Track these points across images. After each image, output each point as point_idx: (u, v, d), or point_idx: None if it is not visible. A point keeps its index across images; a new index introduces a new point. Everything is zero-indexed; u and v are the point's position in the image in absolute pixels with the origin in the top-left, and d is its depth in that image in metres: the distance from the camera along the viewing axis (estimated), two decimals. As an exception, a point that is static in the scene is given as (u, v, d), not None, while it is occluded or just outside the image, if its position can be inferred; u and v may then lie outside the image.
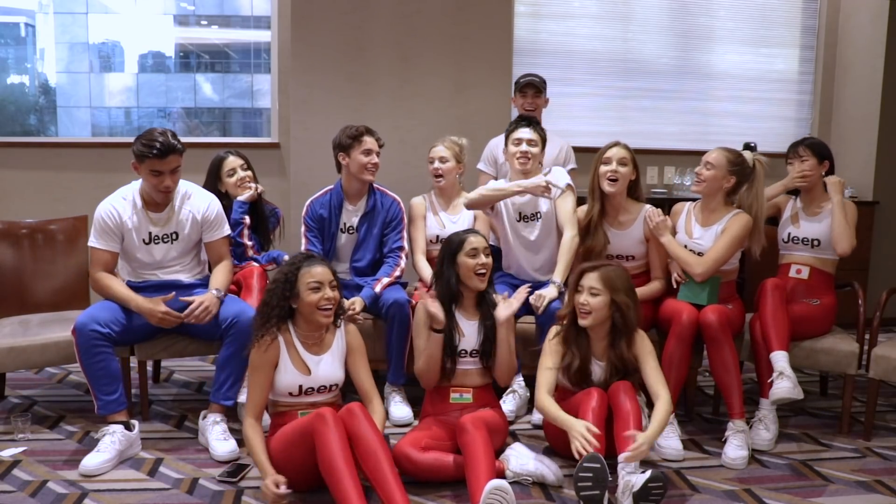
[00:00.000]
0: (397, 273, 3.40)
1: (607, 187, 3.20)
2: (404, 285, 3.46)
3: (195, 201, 3.09)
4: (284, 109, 4.62)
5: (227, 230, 3.17)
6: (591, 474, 2.35)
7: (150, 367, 3.56)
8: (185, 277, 3.12)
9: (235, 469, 2.70)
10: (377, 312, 3.26)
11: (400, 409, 3.16)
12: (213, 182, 3.51)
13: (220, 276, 3.08)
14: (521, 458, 2.67)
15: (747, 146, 4.99)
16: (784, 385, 2.85)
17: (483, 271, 2.82)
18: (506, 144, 3.38)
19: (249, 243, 3.46)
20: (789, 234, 3.30)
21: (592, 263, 2.80)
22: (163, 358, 3.51)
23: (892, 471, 2.82)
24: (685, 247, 3.17)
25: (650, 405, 2.71)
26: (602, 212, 3.27)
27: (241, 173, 3.50)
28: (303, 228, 3.48)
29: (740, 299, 3.27)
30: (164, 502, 2.48)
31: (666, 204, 3.41)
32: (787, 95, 5.25)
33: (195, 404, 3.33)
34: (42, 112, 8.90)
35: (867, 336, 3.19)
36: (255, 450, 2.45)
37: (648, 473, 2.39)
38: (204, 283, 3.11)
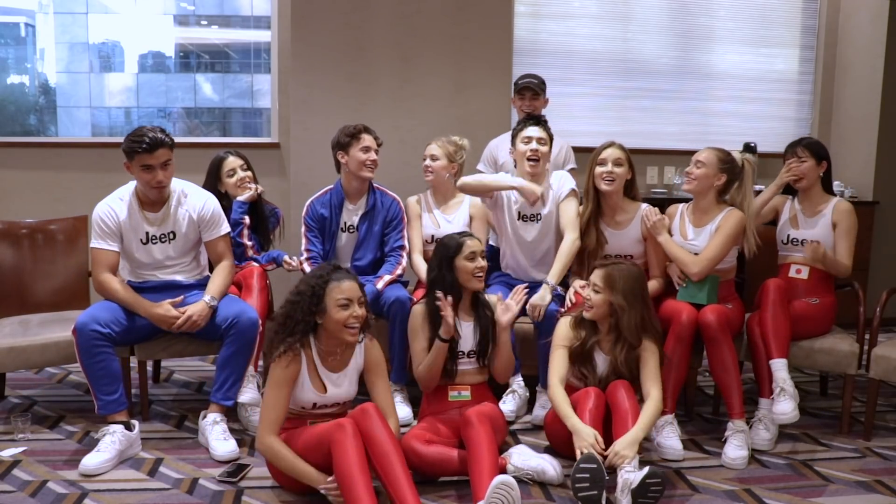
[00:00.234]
0: (399, 271, 3.40)
1: (604, 186, 3.20)
2: (405, 284, 3.46)
3: (192, 200, 3.09)
4: (284, 109, 4.62)
5: (225, 229, 3.17)
6: (587, 475, 2.36)
7: (150, 367, 3.56)
8: (183, 278, 3.12)
9: (235, 469, 2.70)
10: (378, 311, 3.26)
11: (400, 408, 3.16)
12: (213, 182, 3.51)
13: (218, 280, 3.07)
14: (524, 455, 2.68)
15: (747, 147, 5.02)
16: (786, 408, 2.85)
17: (481, 274, 2.85)
18: (514, 143, 3.38)
19: (249, 243, 3.46)
20: (788, 236, 3.30)
21: (605, 261, 2.83)
22: (163, 358, 3.51)
23: (892, 471, 2.82)
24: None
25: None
26: (598, 212, 3.28)
27: (240, 173, 3.50)
28: (303, 228, 3.49)
29: (740, 299, 3.28)
30: (164, 502, 2.48)
31: (666, 204, 3.41)
32: (787, 95, 5.25)
33: (195, 404, 3.33)
34: (42, 112, 8.90)
35: (867, 336, 3.19)
36: (297, 464, 2.37)
37: (646, 470, 2.40)
38: (203, 284, 3.11)
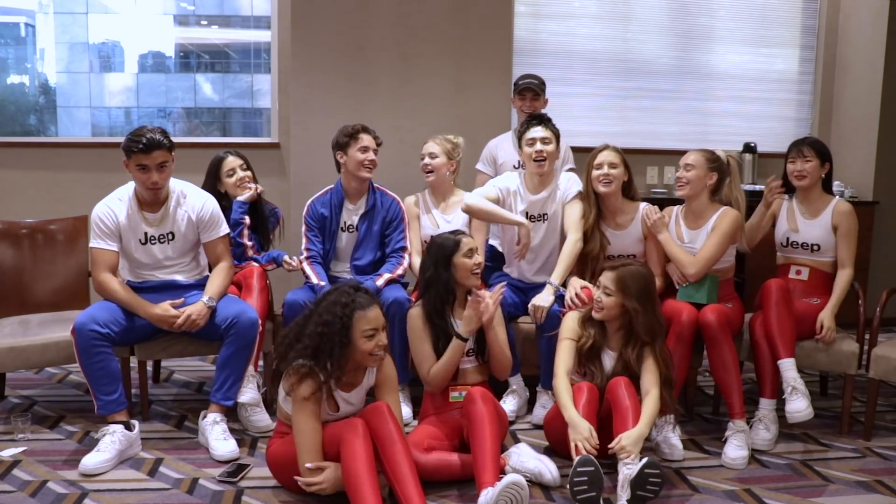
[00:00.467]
0: (399, 271, 3.40)
1: (601, 189, 3.22)
2: (405, 285, 3.46)
3: (191, 201, 3.09)
4: (284, 109, 4.62)
5: (224, 230, 3.17)
6: (585, 477, 2.37)
7: (150, 367, 3.56)
8: (183, 278, 3.12)
9: (235, 469, 2.69)
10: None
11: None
12: (213, 182, 3.51)
13: (217, 280, 3.07)
14: (522, 456, 2.68)
15: (747, 147, 5.02)
16: (800, 405, 2.85)
17: (478, 270, 2.86)
18: (520, 146, 3.38)
19: (249, 243, 3.46)
20: (788, 238, 3.28)
21: (615, 263, 2.83)
22: (163, 358, 3.51)
23: (892, 471, 2.82)
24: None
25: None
26: (599, 215, 3.28)
27: (240, 173, 3.50)
28: (303, 228, 3.49)
29: (739, 298, 3.27)
30: (164, 502, 2.48)
31: (665, 204, 3.41)
32: (787, 95, 5.25)
33: (195, 404, 3.33)
34: (42, 112, 8.90)
35: (867, 336, 3.19)
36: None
37: (644, 460, 2.40)
38: (202, 284, 3.11)
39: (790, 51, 5.23)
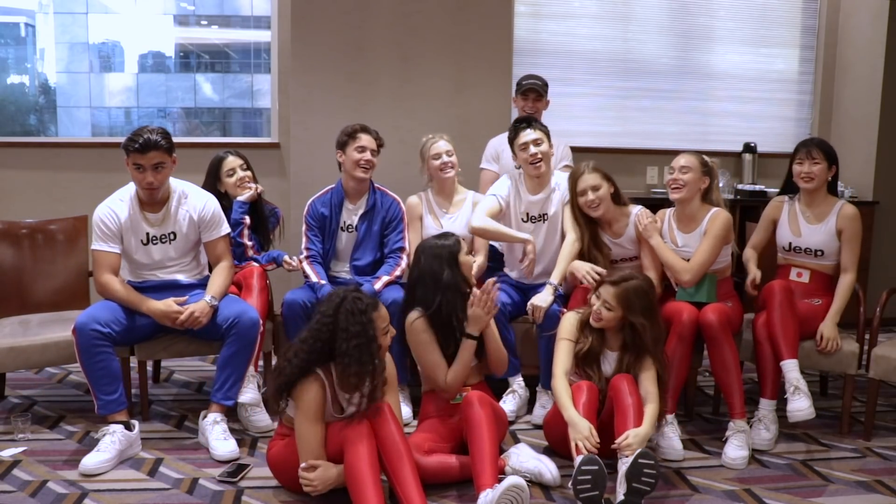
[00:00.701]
0: (397, 273, 3.40)
1: (592, 213, 3.22)
2: (403, 286, 3.45)
3: (192, 201, 3.09)
4: (284, 109, 4.62)
5: (225, 230, 3.17)
6: (589, 476, 2.36)
7: (150, 367, 3.56)
8: (183, 278, 3.12)
9: (235, 469, 2.69)
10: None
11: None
12: (213, 182, 3.51)
13: (218, 280, 3.07)
14: (522, 457, 2.68)
15: (747, 146, 5.02)
16: (802, 405, 2.84)
17: (475, 269, 2.89)
18: (513, 152, 3.39)
19: (249, 243, 3.46)
20: (790, 244, 3.25)
21: (615, 277, 2.77)
22: (163, 358, 3.50)
23: (892, 471, 2.82)
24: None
25: None
26: (593, 235, 3.26)
27: (240, 173, 3.50)
28: (304, 227, 3.49)
29: (738, 297, 3.27)
30: (164, 502, 2.48)
31: (665, 204, 3.40)
32: (787, 95, 5.25)
33: (195, 404, 3.33)
34: (42, 112, 8.91)
35: (867, 336, 3.19)
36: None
37: (638, 451, 2.40)
38: (203, 284, 3.11)
39: (790, 51, 5.23)
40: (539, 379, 3.25)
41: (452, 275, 2.80)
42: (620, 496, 2.40)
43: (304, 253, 3.45)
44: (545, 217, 3.37)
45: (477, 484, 2.36)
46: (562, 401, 2.64)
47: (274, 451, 2.55)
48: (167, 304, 2.93)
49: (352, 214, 3.48)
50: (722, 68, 5.13)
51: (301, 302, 3.22)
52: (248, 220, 3.46)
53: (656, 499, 2.53)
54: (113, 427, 2.76)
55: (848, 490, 2.66)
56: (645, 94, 5.05)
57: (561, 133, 4.12)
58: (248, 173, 3.53)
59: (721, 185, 4.81)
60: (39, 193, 4.48)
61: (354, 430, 2.32)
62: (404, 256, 3.45)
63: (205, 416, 2.92)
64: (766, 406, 3.01)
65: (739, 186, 4.82)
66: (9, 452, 2.82)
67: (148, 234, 3.03)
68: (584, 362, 2.79)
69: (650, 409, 2.62)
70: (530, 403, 3.29)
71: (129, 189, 3.04)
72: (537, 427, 3.11)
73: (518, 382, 3.29)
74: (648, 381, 2.70)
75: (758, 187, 4.77)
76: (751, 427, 2.98)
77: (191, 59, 10.53)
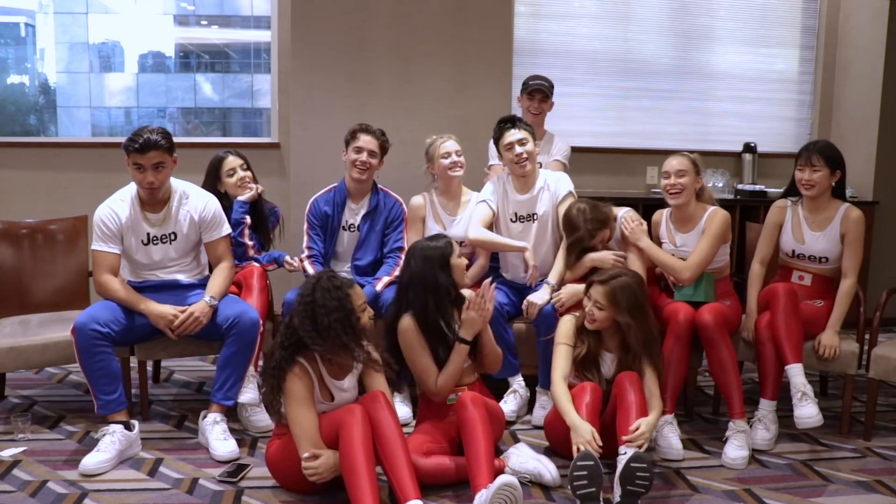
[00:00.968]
0: (397, 273, 3.40)
1: (672, 200, 3.18)
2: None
3: (193, 201, 3.09)
4: (284, 109, 4.62)
5: (226, 230, 3.17)
6: (585, 472, 2.37)
7: (150, 367, 3.56)
8: (183, 278, 3.12)
9: (235, 469, 2.69)
10: (377, 312, 3.26)
11: (399, 408, 3.14)
12: (213, 182, 3.50)
13: (218, 280, 3.07)
14: (521, 457, 2.68)
15: (747, 146, 5.02)
16: (811, 411, 2.84)
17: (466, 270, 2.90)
18: (498, 152, 3.40)
19: (250, 243, 3.46)
20: (794, 251, 3.22)
21: (602, 276, 2.77)
22: (163, 358, 3.51)
23: (892, 471, 2.82)
24: (672, 255, 3.18)
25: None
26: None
27: (240, 173, 3.50)
28: (305, 225, 3.49)
29: (737, 296, 3.27)
30: (164, 502, 2.48)
31: (665, 205, 3.39)
32: (787, 95, 5.25)
33: (195, 404, 3.33)
34: (42, 112, 8.91)
35: (867, 336, 3.19)
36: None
37: (629, 454, 2.40)
38: (203, 284, 3.11)
39: (790, 51, 5.23)
40: (539, 379, 3.25)
41: (443, 278, 2.77)
42: (617, 498, 2.41)
43: (306, 252, 3.45)
44: (534, 216, 3.37)
45: (473, 485, 2.36)
46: (563, 406, 2.64)
47: (272, 451, 2.56)
48: (166, 306, 2.93)
49: (354, 214, 3.49)
50: (722, 68, 5.13)
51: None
52: (248, 219, 3.46)
53: (656, 499, 2.53)
54: (113, 427, 2.76)
55: (848, 490, 2.66)
56: (645, 94, 5.04)
57: (561, 133, 4.13)
58: (249, 173, 3.53)
59: (721, 185, 4.83)
60: (39, 193, 4.48)
61: (349, 415, 2.33)
62: (403, 256, 3.44)
63: (205, 416, 2.92)
64: (767, 406, 3.01)
65: (739, 186, 4.81)
66: (9, 452, 2.82)
67: (148, 234, 3.03)
68: (583, 366, 2.79)
69: (655, 408, 2.64)
70: (530, 403, 3.29)
71: (130, 189, 3.04)
72: (537, 427, 3.11)
73: (518, 382, 3.29)
74: (651, 382, 2.70)
75: (758, 187, 4.77)
76: (751, 427, 2.98)
77: (191, 59, 10.53)
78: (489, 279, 2.93)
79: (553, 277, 3.22)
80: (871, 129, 4.84)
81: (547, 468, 2.62)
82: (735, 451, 2.84)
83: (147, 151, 2.87)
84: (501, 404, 3.10)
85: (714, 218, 3.12)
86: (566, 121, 4.75)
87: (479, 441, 2.42)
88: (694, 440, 3.08)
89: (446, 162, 3.48)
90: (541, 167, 3.60)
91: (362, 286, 3.31)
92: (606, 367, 2.80)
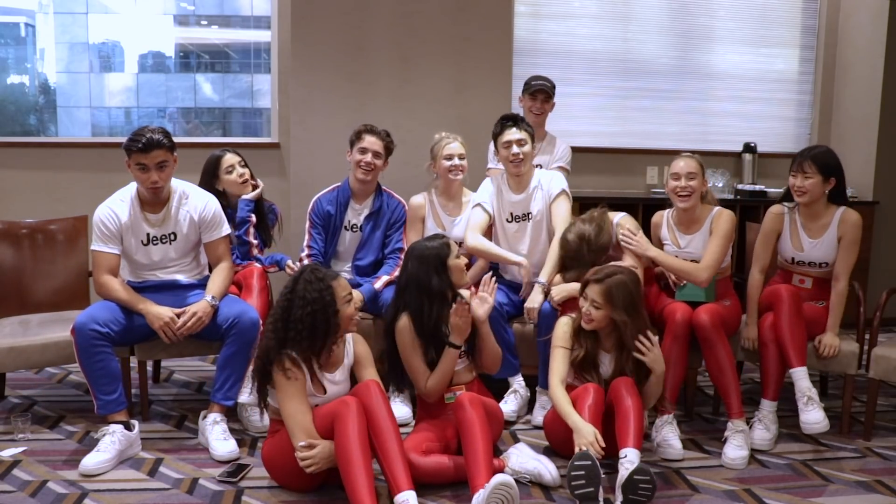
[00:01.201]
0: (397, 273, 3.40)
1: (680, 203, 3.15)
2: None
3: (193, 201, 3.09)
4: (284, 109, 4.62)
5: (226, 230, 3.17)
6: (583, 472, 2.37)
7: (150, 367, 3.56)
8: (183, 278, 3.12)
9: (235, 469, 2.69)
10: (377, 311, 3.27)
11: (399, 408, 3.15)
12: (210, 180, 3.48)
13: (218, 280, 3.07)
14: (521, 457, 2.68)
15: (747, 146, 5.02)
16: (817, 417, 2.83)
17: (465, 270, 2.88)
18: (496, 148, 3.40)
19: (255, 242, 3.46)
20: (793, 258, 3.20)
21: (597, 275, 2.75)
22: (163, 358, 3.51)
23: (892, 471, 2.82)
24: (676, 257, 3.18)
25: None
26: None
27: (239, 170, 3.49)
28: (307, 224, 3.49)
29: (737, 296, 3.27)
30: (164, 502, 2.48)
31: (665, 205, 3.39)
32: (787, 95, 5.25)
33: (195, 404, 3.33)
34: (42, 112, 8.91)
35: (867, 336, 3.19)
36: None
37: (634, 465, 2.40)
38: (203, 284, 3.11)
39: (790, 51, 5.23)
40: (539, 379, 3.25)
41: (438, 281, 2.77)
42: (618, 502, 2.41)
43: (306, 251, 3.46)
44: (529, 216, 3.38)
45: (472, 485, 2.36)
46: (563, 409, 2.63)
47: (266, 448, 2.56)
48: (164, 308, 2.93)
49: (357, 214, 3.49)
50: (722, 68, 5.13)
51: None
52: (254, 217, 3.45)
53: (656, 499, 2.53)
54: (113, 427, 2.76)
55: (848, 490, 2.66)
56: (645, 94, 5.05)
57: (561, 133, 4.13)
58: (247, 170, 3.52)
59: (721, 185, 4.83)
60: (39, 193, 4.48)
61: (344, 406, 2.34)
62: (403, 257, 3.44)
63: (205, 417, 2.92)
64: (767, 406, 3.01)
65: (739, 186, 4.82)
66: (9, 452, 2.82)
67: (148, 234, 3.03)
68: (582, 368, 2.79)
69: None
70: (530, 403, 3.29)
71: (130, 189, 3.04)
72: (537, 427, 3.11)
73: (518, 382, 3.29)
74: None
75: (758, 187, 4.77)
76: (751, 427, 2.98)
77: (191, 59, 10.53)
78: (489, 273, 2.93)
79: (544, 276, 3.22)
80: (871, 129, 4.84)
81: (547, 468, 2.62)
82: (734, 451, 2.84)
83: (151, 151, 2.87)
84: (501, 404, 3.10)
85: (721, 218, 3.12)
86: (566, 121, 4.75)
87: (478, 441, 2.42)
88: (694, 440, 3.08)
89: (447, 164, 3.49)
90: (539, 168, 3.60)
91: (361, 285, 3.33)
92: (605, 368, 2.80)
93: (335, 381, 2.57)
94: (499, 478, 2.28)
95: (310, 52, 4.36)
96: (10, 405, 3.35)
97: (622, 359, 2.75)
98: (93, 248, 3.00)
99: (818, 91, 5.22)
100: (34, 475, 2.65)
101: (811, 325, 3.08)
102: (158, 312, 2.92)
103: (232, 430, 2.94)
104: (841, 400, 3.21)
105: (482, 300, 2.81)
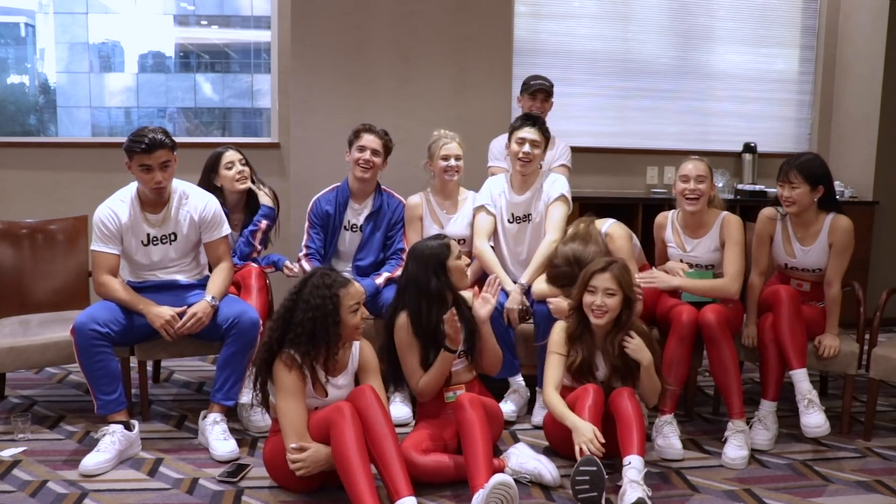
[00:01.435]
0: (398, 272, 3.40)
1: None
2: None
3: (193, 201, 3.09)
4: (284, 109, 4.62)
5: (226, 230, 3.17)
6: (587, 477, 2.36)
7: (150, 367, 3.56)
8: (183, 278, 3.12)
9: (235, 469, 2.69)
10: (377, 310, 3.26)
11: (399, 408, 3.16)
12: (208, 177, 3.47)
13: (218, 280, 3.07)
14: (521, 457, 2.68)
15: (747, 146, 5.02)
16: (818, 420, 2.83)
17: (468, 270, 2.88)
18: (509, 140, 3.40)
19: (259, 247, 3.46)
20: (787, 264, 3.20)
21: (599, 265, 2.75)
22: (163, 358, 3.51)
23: (892, 471, 2.82)
24: (681, 261, 3.18)
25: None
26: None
27: (238, 167, 3.48)
28: (306, 224, 3.49)
29: (740, 298, 3.27)
30: (164, 502, 2.48)
31: (665, 205, 3.39)
32: (787, 95, 5.25)
33: (195, 404, 3.33)
34: (42, 112, 8.91)
35: (867, 336, 3.19)
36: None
37: (636, 496, 2.34)
38: (203, 284, 3.11)
39: (790, 51, 5.23)
40: (538, 379, 3.25)
41: (437, 283, 2.76)
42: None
43: (304, 250, 3.46)
44: (529, 217, 3.39)
45: (472, 485, 2.36)
46: (559, 412, 2.63)
47: (267, 448, 2.56)
48: (164, 307, 2.93)
49: (357, 214, 3.49)
50: (722, 68, 5.13)
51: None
52: (264, 224, 3.45)
53: (656, 499, 2.53)
54: (113, 427, 2.76)
55: (848, 490, 2.66)
56: (645, 94, 5.05)
57: (561, 133, 4.12)
58: (247, 168, 3.52)
59: (721, 185, 4.83)
60: (39, 193, 4.48)
61: (337, 413, 2.33)
62: (405, 257, 3.45)
63: (205, 417, 2.92)
64: (767, 407, 3.01)
65: (739, 186, 4.82)
66: (9, 452, 2.82)
67: (148, 234, 3.03)
68: (579, 373, 2.78)
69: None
70: (530, 403, 3.29)
71: (130, 189, 3.03)
72: (537, 427, 3.11)
73: (518, 382, 3.29)
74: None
75: (758, 187, 4.77)
76: (750, 427, 2.98)
77: (191, 59, 10.54)
78: (494, 275, 2.93)
79: (524, 277, 3.23)
80: (871, 129, 4.84)
81: (547, 468, 2.62)
82: (734, 451, 2.84)
83: (154, 151, 2.87)
84: (502, 404, 3.10)
85: (731, 225, 3.11)
86: (566, 121, 4.75)
87: (478, 441, 2.42)
88: (694, 440, 3.08)
89: (443, 164, 3.49)
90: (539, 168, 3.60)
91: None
92: (601, 373, 2.79)
93: (338, 385, 2.56)
94: (498, 477, 2.28)
95: (310, 52, 4.36)
96: (10, 405, 3.35)
97: (613, 350, 2.73)
98: (93, 248, 3.00)
99: (818, 91, 5.22)
100: (34, 475, 2.65)
101: (811, 325, 3.08)
102: (159, 311, 2.92)
103: (232, 430, 2.94)
104: (841, 400, 3.21)
105: (485, 301, 2.81)
